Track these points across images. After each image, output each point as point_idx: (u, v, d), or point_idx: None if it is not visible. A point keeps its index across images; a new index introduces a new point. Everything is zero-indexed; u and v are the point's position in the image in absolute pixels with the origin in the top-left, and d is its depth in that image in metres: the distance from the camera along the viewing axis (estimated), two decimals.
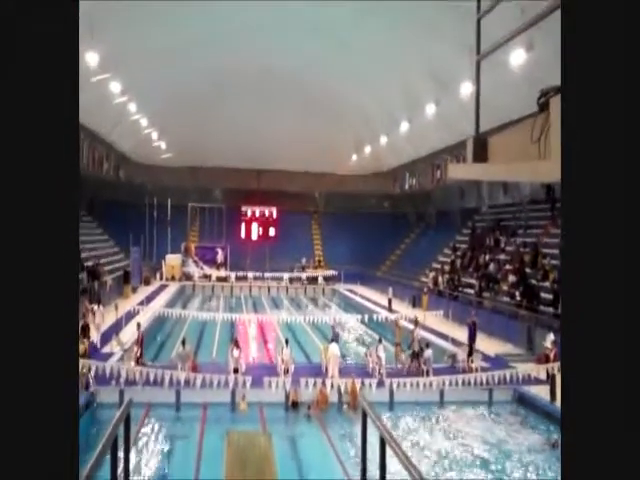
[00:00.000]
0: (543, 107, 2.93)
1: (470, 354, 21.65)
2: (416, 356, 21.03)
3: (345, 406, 18.70)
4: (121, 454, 3.95)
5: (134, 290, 40.30)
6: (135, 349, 20.71)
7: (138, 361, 20.19)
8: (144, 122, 44.75)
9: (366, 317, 30.46)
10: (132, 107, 39.59)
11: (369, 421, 3.77)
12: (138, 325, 22.21)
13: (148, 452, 15.00)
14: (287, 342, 21.18)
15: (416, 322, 24.58)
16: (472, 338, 23.09)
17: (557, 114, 2.67)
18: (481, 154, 3.70)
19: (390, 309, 36.18)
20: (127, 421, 3.98)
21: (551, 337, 21.19)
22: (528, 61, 22.92)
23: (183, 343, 20.79)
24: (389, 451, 3.28)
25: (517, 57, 22.97)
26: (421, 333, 24.12)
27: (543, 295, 27.27)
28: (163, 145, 52.65)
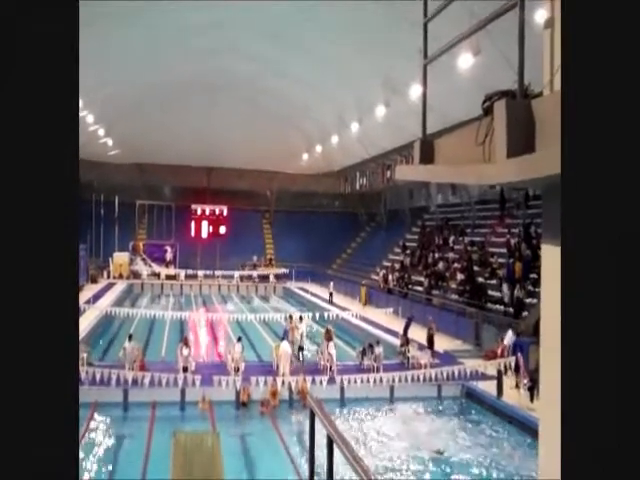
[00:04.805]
0: (487, 111, 2.99)
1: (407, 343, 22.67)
2: (301, 350, 22.31)
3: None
4: None
5: (80, 288, 39.46)
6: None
7: None
8: (90, 119, 43.77)
9: (317, 315, 30.62)
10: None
11: (317, 420, 3.79)
12: None
13: (93, 454, 14.72)
14: (239, 339, 21.09)
15: (300, 318, 26.24)
16: (430, 343, 23.45)
17: (501, 118, 2.73)
18: (428, 156, 3.75)
19: (331, 302, 37.97)
20: None
21: (509, 334, 21.42)
22: (476, 65, 23.29)
23: (130, 338, 20.56)
24: (337, 451, 3.30)
25: (465, 61, 23.28)
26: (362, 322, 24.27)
27: (490, 292, 27.85)
28: (110, 142, 51.58)
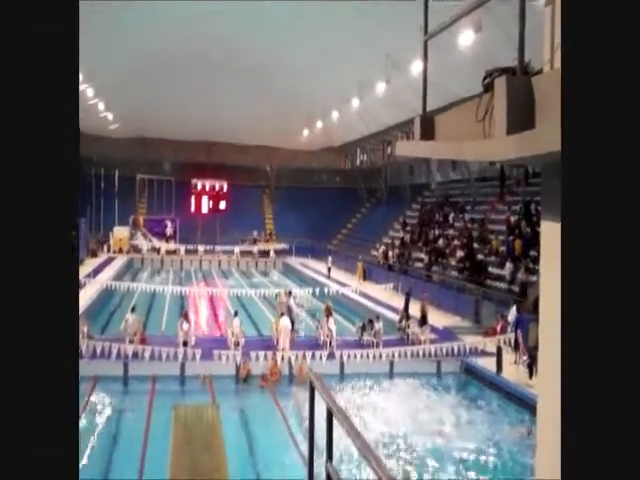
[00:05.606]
0: (488, 88, 2.98)
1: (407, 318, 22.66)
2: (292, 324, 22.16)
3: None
4: None
5: (80, 262, 39.48)
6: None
7: None
8: (90, 92, 43.46)
9: (317, 290, 30.73)
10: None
11: (317, 394, 3.83)
12: None
13: (94, 428, 14.87)
14: (236, 313, 21.20)
15: (289, 293, 26.51)
16: (424, 318, 23.38)
17: (501, 95, 2.73)
18: (428, 132, 3.76)
19: (329, 276, 38.54)
20: None
21: (513, 311, 21.26)
22: (477, 41, 23.08)
23: (133, 310, 20.74)
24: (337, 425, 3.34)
25: (466, 37, 23.05)
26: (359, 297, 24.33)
27: (490, 270, 27.92)
28: (110, 116, 51.30)
